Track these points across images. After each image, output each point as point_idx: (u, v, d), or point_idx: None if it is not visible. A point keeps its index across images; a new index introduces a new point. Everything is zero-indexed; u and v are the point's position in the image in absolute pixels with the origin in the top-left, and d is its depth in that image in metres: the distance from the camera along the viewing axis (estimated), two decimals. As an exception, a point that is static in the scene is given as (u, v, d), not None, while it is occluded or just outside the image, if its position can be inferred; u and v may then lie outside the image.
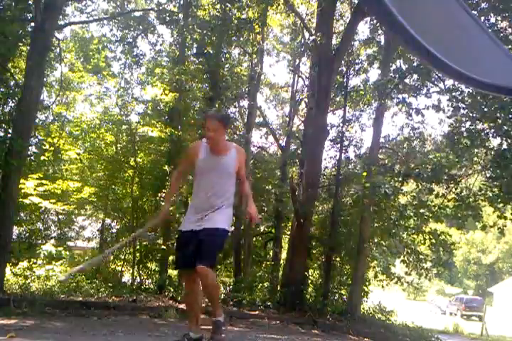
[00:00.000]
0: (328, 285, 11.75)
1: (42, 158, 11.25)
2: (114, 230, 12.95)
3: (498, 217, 10.82)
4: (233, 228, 13.03)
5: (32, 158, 10.82)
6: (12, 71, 10.29)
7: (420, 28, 0.76)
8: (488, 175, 11.28)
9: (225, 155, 3.69)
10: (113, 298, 8.99)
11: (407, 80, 12.21)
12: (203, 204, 3.63)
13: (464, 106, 11.12)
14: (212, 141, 3.65)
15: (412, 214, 11.83)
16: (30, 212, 11.27)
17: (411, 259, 12.55)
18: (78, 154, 12.50)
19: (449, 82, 11.24)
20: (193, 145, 3.89)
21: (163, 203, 11.05)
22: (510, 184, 9.86)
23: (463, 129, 11.19)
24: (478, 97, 9.91)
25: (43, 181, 9.92)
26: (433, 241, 12.14)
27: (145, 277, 11.87)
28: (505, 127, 10.06)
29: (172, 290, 11.14)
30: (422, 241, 12.44)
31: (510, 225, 11.38)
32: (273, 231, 15.17)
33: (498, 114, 9.89)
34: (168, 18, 12.89)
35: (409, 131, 13.73)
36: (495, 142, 10.94)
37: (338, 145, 13.22)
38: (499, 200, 10.35)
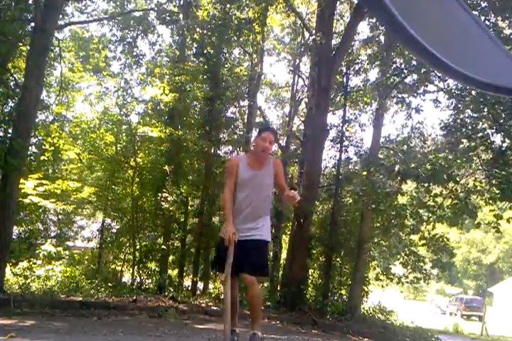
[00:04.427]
0: (328, 285, 11.75)
1: (42, 158, 11.25)
2: (114, 230, 12.95)
3: (495, 217, 10.82)
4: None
5: (32, 158, 10.82)
6: (12, 71, 10.30)
7: (420, 28, 0.76)
8: (486, 174, 11.27)
9: (262, 170, 3.91)
10: (113, 298, 8.98)
11: (407, 80, 12.23)
12: (245, 215, 3.85)
13: (462, 102, 11.14)
14: (266, 153, 3.90)
15: (409, 214, 11.83)
16: (30, 212, 11.27)
17: (410, 261, 12.55)
18: (78, 154, 12.51)
19: (450, 82, 11.25)
20: (232, 160, 4.13)
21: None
22: (509, 182, 9.87)
23: (463, 128, 11.19)
24: (481, 99, 9.91)
25: (43, 181, 9.92)
26: (431, 244, 12.15)
27: (145, 277, 11.87)
28: (506, 127, 10.07)
29: (172, 290, 11.14)
30: (421, 243, 12.45)
31: (509, 225, 11.38)
32: (273, 231, 15.18)
33: (497, 113, 9.90)
34: (168, 18, 12.90)
35: (409, 131, 13.75)
36: (494, 139, 10.94)
37: (338, 145, 13.22)
38: (498, 198, 10.35)
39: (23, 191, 9.25)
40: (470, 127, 10.85)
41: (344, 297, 12.05)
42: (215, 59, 12.84)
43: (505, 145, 10.35)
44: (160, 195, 11.15)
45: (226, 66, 13.77)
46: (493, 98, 9.18)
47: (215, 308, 9.20)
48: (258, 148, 3.89)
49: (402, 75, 12.05)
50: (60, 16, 10.64)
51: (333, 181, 13.30)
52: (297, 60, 17.15)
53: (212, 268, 3.84)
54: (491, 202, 10.85)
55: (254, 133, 16.20)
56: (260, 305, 3.97)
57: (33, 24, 9.34)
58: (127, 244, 12.24)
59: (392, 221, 11.71)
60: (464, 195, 11.28)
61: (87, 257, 13.00)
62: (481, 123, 10.93)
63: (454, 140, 11.05)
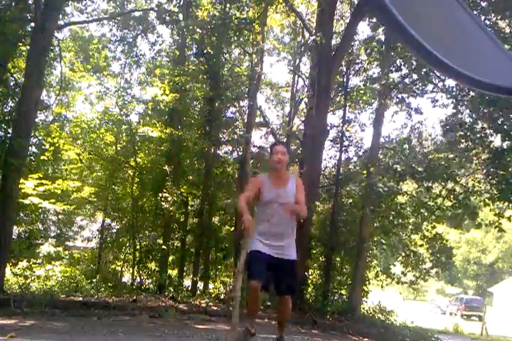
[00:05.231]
0: (328, 285, 11.74)
1: (42, 158, 11.25)
2: (114, 230, 12.94)
3: (496, 215, 10.85)
4: (233, 228, 13.04)
5: (32, 158, 10.82)
6: (12, 71, 10.29)
7: (420, 28, 0.76)
8: (485, 174, 11.29)
9: (286, 187, 3.99)
10: (113, 298, 8.98)
11: (407, 80, 12.23)
12: (271, 231, 3.94)
13: (461, 102, 11.16)
14: (282, 164, 4.00)
15: (410, 213, 11.84)
16: (30, 212, 11.26)
17: (410, 260, 12.56)
18: (78, 154, 12.50)
19: (448, 82, 11.26)
20: (258, 177, 4.30)
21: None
22: (508, 182, 9.88)
23: (461, 128, 11.21)
24: (478, 100, 9.92)
25: (43, 181, 9.92)
26: (429, 239, 12.17)
27: (145, 277, 11.87)
28: (506, 127, 10.07)
29: (172, 290, 11.14)
30: (421, 244, 12.46)
31: (509, 225, 11.42)
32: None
33: (497, 113, 9.90)
34: (168, 18, 12.89)
35: (409, 131, 13.76)
36: (492, 138, 10.95)
37: (338, 145, 13.22)
38: (498, 198, 10.37)
39: (23, 191, 9.25)
40: (468, 127, 10.87)
41: (344, 297, 12.05)
42: (215, 59, 12.83)
43: (504, 145, 10.36)
44: (160, 195, 11.15)
45: (226, 66, 13.76)
46: (491, 98, 9.19)
47: (215, 308, 9.20)
48: (273, 162, 4.02)
49: (402, 74, 12.06)
50: (60, 16, 10.64)
51: (333, 181, 13.30)
52: (297, 60, 17.13)
53: (250, 278, 3.90)
54: (490, 202, 10.87)
55: (255, 133, 16.22)
56: (289, 316, 4.42)
57: (33, 24, 9.34)
58: (127, 244, 12.24)
59: (393, 219, 11.72)
60: (463, 195, 11.29)
61: (87, 257, 12.99)
62: (480, 123, 10.94)
63: (453, 139, 11.07)
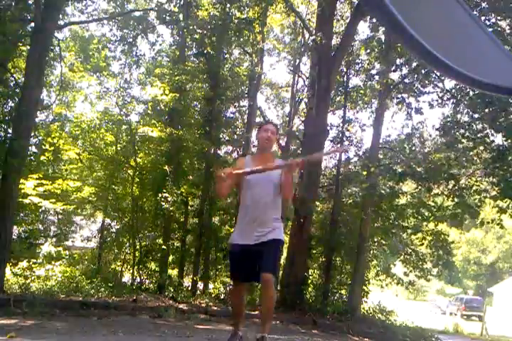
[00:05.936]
0: (328, 285, 11.75)
1: (42, 158, 11.24)
2: (114, 230, 12.94)
3: (498, 212, 10.86)
4: (233, 228, 13.05)
5: (32, 158, 10.81)
6: (12, 71, 10.29)
7: (420, 28, 0.76)
8: (486, 173, 11.30)
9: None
10: (113, 298, 8.98)
11: (407, 80, 12.24)
12: (254, 217, 3.70)
13: (460, 102, 11.17)
14: (270, 143, 3.88)
15: (410, 214, 11.85)
16: (30, 212, 11.26)
17: (411, 259, 12.58)
18: (78, 154, 12.49)
19: (448, 82, 11.26)
20: (238, 160, 4.14)
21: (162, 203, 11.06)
22: (507, 180, 9.89)
23: (460, 128, 11.22)
24: (478, 100, 9.92)
25: (43, 181, 9.91)
26: (431, 238, 12.19)
27: (145, 277, 11.87)
28: (505, 126, 10.08)
29: (172, 290, 11.14)
30: (421, 241, 12.47)
31: (510, 223, 11.44)
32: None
33: (495, 113, 9.91)
34: (168, 18, 12.88)
35: (409, 131, 13.77)
36: (493, 138, 10.95)
37: (338, 145, 13.23)
38: (499, 197, 10.39)
39: (23, 191, 9.24)
40: (467, 127, 10.89)
41: (344, 297, 12.06)
42: (215, 59, 12.84)
43: (506, 143, 10.37)
44: (160, 195, 11.15)
45: (226, 66, 13.77)
46: (489, 98, 9.20)
47: (215, 308, 9.21)
48: (261, 139, 3.85)
49: (402, 74, 12.07)
50: (60, 16, 10.63)
51: (333, 181, 13.30)
52: (297, 60, 17.14)
53: (233, 279, 3.92)
54: (491, 200, 10.90)
55: (254, 133, 16.22)
56: (273, 307, 3.79)
57: (33, 24, 9.34)
58: (127, 244, 12.24)
59: (394, 220, 11.73)
60: (464, 194, 11.31)
61: (87, 257, 12.98)
62: (479, 123, 10.94)
63: (452, 140, 11.09)
